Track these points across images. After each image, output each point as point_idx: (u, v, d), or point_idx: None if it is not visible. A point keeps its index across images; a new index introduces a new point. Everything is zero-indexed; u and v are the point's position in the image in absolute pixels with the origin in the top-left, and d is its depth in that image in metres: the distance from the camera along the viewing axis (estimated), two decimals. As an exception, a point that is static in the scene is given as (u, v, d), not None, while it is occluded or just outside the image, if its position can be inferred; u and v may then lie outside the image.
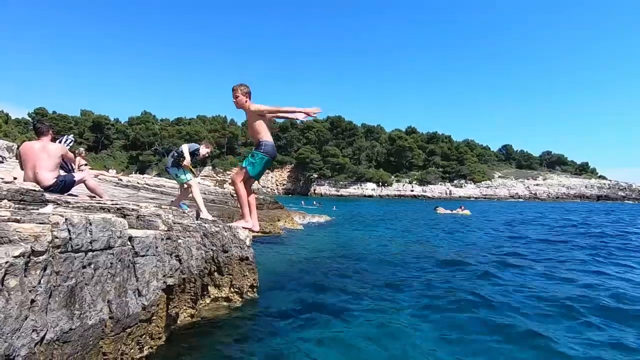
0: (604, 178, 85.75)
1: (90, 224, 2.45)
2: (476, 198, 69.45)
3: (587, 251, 10.18)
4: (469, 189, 76.07)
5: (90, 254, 2.47)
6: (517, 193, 75.95)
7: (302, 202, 31.71)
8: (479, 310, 5.01)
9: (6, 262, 1.87)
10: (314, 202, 29.61)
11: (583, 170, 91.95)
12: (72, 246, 2.31)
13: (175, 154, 6.60)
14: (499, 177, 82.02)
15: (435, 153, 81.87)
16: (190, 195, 6.66)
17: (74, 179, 5.20)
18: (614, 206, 50.16)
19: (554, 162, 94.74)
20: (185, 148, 6.59)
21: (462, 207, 28.26)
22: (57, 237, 2.18)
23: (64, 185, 4.87)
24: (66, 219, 2.27)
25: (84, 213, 3.09)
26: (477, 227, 17.48)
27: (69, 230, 2.26)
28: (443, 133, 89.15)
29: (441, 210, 28.10)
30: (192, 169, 6.72)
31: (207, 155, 7.17)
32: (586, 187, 77.10)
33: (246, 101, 4.99)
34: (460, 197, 71.85)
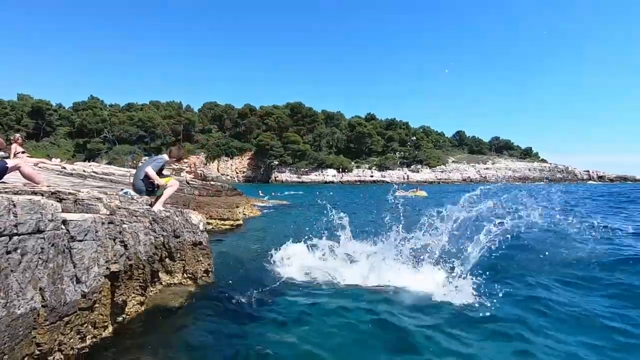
0: (544, 161, 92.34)
1: (14, 205, 2.25)
2: (432, 182, 72.39)
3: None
4: (425, 174, 79.01)
5: (15, 238, 2.28)
6: (469, 177, 79.99)
7: (260, 191, 31.31)
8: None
9: None
10: (260, 192, 29.20)
11: (527, 154, 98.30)
12: (-8, 229, 2.11)
13: (144, 182, 5.72)
14: (453, 161, 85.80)
15: (394, 139, 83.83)
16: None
17: (6, 165, 4.75)
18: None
19: (502, 147, 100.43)
20: (150, 171, 5.66)
21: (418, 189, 29.16)
22: (-28, 220, 1.98)
23: None
24: (-17, 200, 2.06)
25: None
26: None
27: (-13, 212, 2.07)
28: (401, 120, 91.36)
29: (400, 192, 28.71)
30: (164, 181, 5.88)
31: (173, 159, 6.41)
32: (529, 170, 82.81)
33: None
34: (417, 181, 74.45)
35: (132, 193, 5.62)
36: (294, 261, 6.55)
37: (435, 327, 3.93)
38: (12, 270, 2.25)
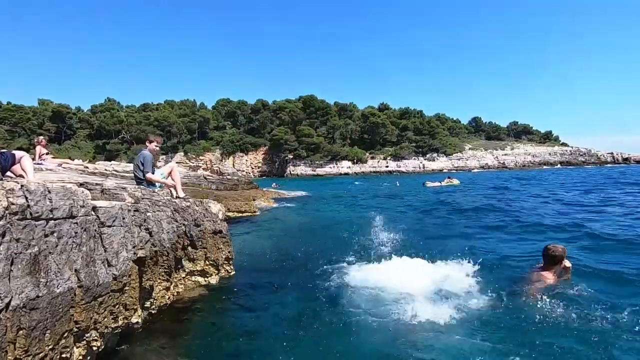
0: (565, 145, 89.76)
1: (49, 191, 2.42)
2: (449, 170, 71.36)
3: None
4: (442, 162, 77.93)
5: (52, 222, 2.44)
6: (487, 163, 78.51)
7: (273, 183, 31.63)
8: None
9: (-40, 227, 1.84)
10: (273, 184, 29.49)
11: (547, 138, 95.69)
12: (31, 213, 2.27)
13: (142, 180, 5.74)
14: (470, 149, 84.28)
15: (408, 128, 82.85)
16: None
17: (14, 155, 5.01)
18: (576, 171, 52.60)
19: (520, 132, 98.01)
20: (154, 177, 5.85)
21: (450, 178, 28.78)
22: (13, 204, 2.14)
23: None
24: (22, 186, 2.22)
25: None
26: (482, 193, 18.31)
27: (26, 197, 2.23)
28: (415, 108, 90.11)
29: (430, 183, 28.13)
30: (162, 178, 6.05)
31: (157, 147, 6.29)
32: (550, 154, 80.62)
33: None
34: (433, 170, 73.60)
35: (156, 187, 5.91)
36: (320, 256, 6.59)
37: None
38: (50, 252, 2.42)
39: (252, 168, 79.42)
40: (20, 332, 2.18)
